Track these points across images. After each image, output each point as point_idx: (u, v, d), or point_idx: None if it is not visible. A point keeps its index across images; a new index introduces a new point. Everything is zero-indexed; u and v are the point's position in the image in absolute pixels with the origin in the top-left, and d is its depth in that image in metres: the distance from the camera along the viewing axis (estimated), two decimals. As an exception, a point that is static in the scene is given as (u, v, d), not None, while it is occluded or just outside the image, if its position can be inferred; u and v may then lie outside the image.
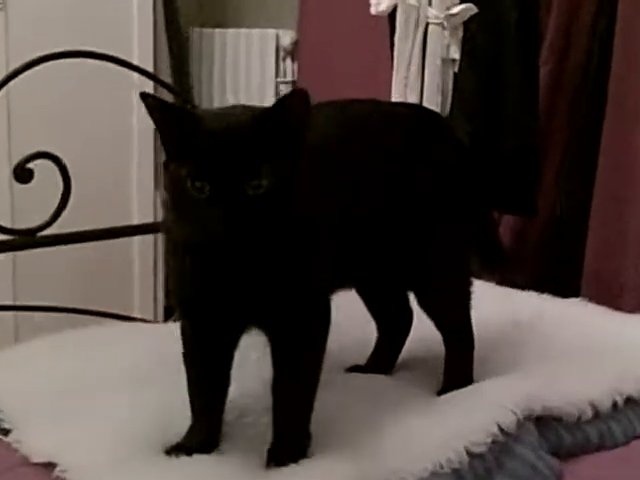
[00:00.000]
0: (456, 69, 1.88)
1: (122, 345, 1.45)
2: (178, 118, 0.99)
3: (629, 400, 1.26)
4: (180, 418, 1.16)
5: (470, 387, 1.26)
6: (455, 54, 1.87)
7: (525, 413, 1.15)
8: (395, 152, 1.22)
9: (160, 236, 2.70)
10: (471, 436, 1.08)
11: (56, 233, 1.69)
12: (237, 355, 1.14)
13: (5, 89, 1.67)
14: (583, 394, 1.22)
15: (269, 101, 2.87)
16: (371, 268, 1.23)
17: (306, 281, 1.06)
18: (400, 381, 1.33)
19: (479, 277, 1.40)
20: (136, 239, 2.49)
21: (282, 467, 1.04)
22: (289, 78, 2.87)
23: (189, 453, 1.09)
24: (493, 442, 1.09)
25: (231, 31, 2.95)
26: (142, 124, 2.59)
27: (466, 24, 1.86)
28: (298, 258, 1.04)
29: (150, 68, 2.56)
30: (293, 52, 2.86)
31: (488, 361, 1.35)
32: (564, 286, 1.81)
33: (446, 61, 1.88)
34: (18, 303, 2.01)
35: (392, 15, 1.93)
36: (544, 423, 1.18)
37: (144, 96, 0.99)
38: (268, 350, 1.10)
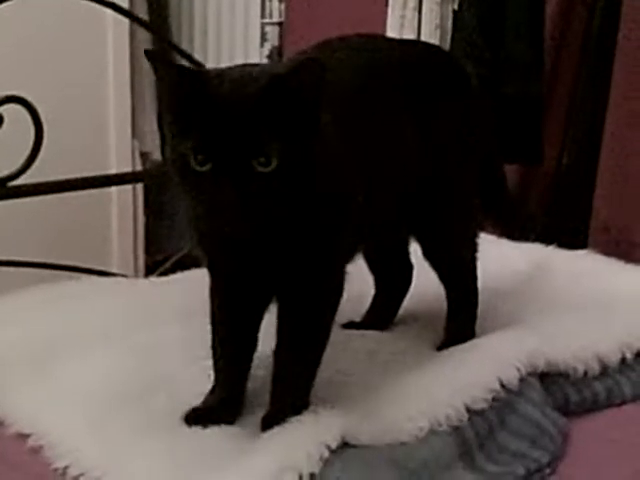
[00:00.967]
0: (455, 6, 1.86)
1: (101, 301, 1.45)
2: (186, 82, 0.94)
3: (639, 355, 1.27)
4: (161, 377, 1.17)
5: (472, 342, 1.27)
6: (455, -10, 1.85)
7: (528, 368, 1.16)
8: (408, 96, 1.20)
9: (140, 186, 2.71)
10: (471, 392, 1.09)
11: (28, 183, 1.67)
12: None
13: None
14: (590, 349, 1.23)
15: (253, 44, 2.85)
16: (379, 219, 1.22)
17: (325, 249, 1.05)
18: (398, 337, 1.33)
19: (483, 229, 1.40)
20: (114, 190, 2.47)
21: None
22: (275, 19, 2.84)
23: (208, 419, 1.08)
24: (494, 399, 1.10)
25: (213, -31, 2.91)
26: (118, 66, 2.56)
27: (466, -42, 1.84)
28: (315, 221, 1.02)
29: (125, 4, 2.52)
30: (280, -8, 2.82)
31: (491, 315, 1.35)
32: (571, 238, 1.81)
33: (445, -3, 1.86)
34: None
35: (387, -52, 1.91)
36: (549, 379, 1.19)
37: (150, 54, 0.95)
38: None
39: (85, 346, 1.25)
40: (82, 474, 1.00)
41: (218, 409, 1.10)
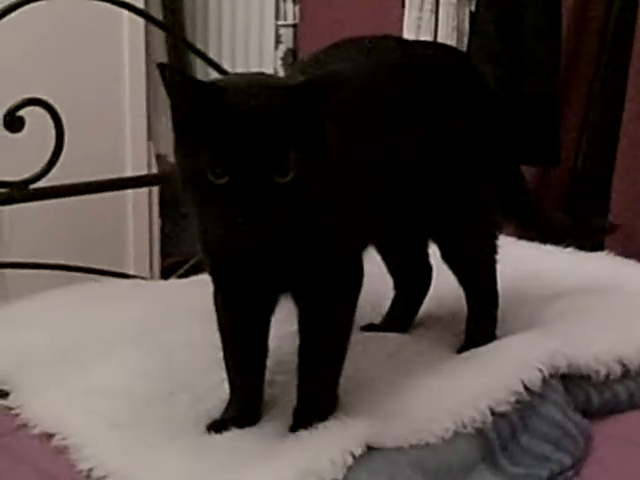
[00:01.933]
0: (472, 8, 1.85)
1: (122, 302, 1.46)
2: (201, 95, 0.93)
3: (660, 358, 1.26)
4: (184, 379, 1.18)
5: (492, 344, 1.27)
6: (472, -9, 1.85)
7: (550, 370, 1.16)
8: (425, 98, 1.20)
9: (155, 189, 2.71)
10: (494, 394, 1.09)
11: (48, 185, 1.68)
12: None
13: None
14: (611, 351, 1.23)
15: (268, 46, 2.86)
16: (397, 221, 1.22)
17: (338, 243, 1.05)
18: (418, 339, 1.33)
19: (502, 231, 1.40)
20: (130, 192, 2.48)
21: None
22: (290, 21, 2.84)
23: (229, 429, 1.08)
24: (517, 401, 1.10)
25: (228, -29, 2.92)
26: (133, 68, 2.56)
27: (484, -41, 1.83)
28: (329, 220, 1.02)
29: (141, 4, 2.52)
30: (294, -7, 2.82)
31: (511, 318, 1.35)
32: (587, 240, 1.80)
33: (462, -1, 1.86)
34: (7, 260, 2.00)
35: (404, -50, 1.91)
36: (571, 382, 1.19)
37: (162, 67, 0.94)
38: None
39: (108, 348, 1.26)
40: (106, 476, 1.01)
41: (238, 419, 1.10)
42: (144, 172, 2.53)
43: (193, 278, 1.66)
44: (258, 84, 0.96)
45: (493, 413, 1.08)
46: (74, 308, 1.43)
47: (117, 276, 1.81)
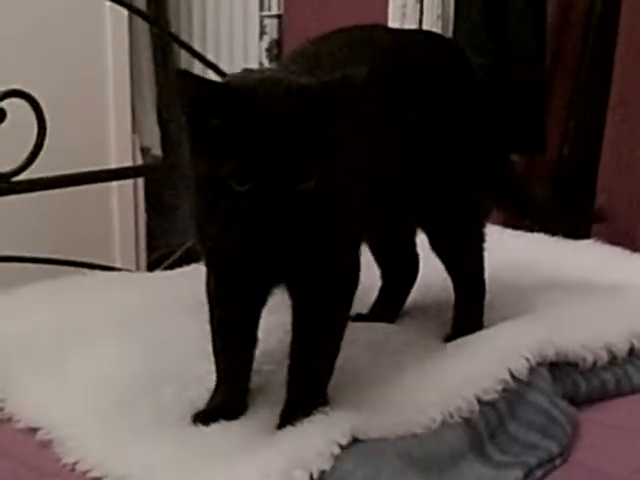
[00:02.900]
0: (458, -5, 1.85)
1: (107, 294, 1.45)
2: (221, 100, 0.91)
3: (646, 344, 1.26)
4: (169, 370, 1.17)
5: (480, 333, 1.26)
6: (457, -21, 1.84)
7: (538, 359, 1.15)
8: (416, 87, 1.20)
9: (141, 182, 2.70)
10: (481, 383, 1.09)
11: (31, 178, 1.67)
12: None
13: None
14: (598, 338, 1.22)
15: (252, 37, 2.84)
16: (388, 211, 1.21)
17: (339, 237, 1.04)
18: (406, 329, 1.33)
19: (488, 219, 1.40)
20: (115, 185, 2.46)
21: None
22: (274, 12, 2.83)
23: (214, 419, 1.07)
24: (505, 389, 1.10)
25: (211, -39, 2.90)
26: (117, 59, 2.55)
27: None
28: (332, 216, 1.01)
29: (125, 15, 2.52)
30: (279, -17, 2.81)
31: (498, 306, 1.35)
32: (574, 228, 1.81)
33: (447, -13, 1.85)
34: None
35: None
36: (559, 369, 1.18)
37: (181, 74, 0.92)
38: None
39: (93, 339, 1.25)
40: (91, 469, 1.00)
41: (223, 409, 1.10)
42: (129, 164, 2.51)
43: (179, 270, 1.65)
44: (277, 86, 0.95)
45: (480, 402, 1.07)
46: (59, 300, 1.42)
47: (103, 269, 1.80)
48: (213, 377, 1.14)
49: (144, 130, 2.80)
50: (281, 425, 1.05)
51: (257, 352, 1.14)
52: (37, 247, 1.97)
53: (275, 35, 2.82)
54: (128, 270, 2.01)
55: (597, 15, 1.92)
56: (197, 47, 2.69)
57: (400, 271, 1.40)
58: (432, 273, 1.37)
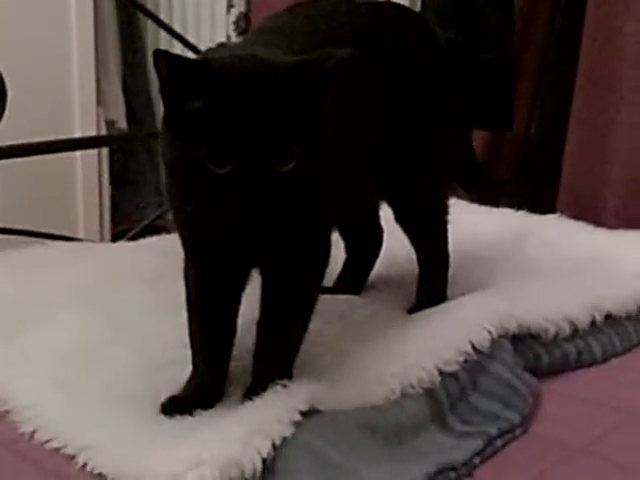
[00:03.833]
0: (427, -30, 1.83)
1: (69, 265, 1.43)
2: (200, 80, 0.90)
3: (608, 317, 1.28)
4: (129, 338, 1.16)
5: (443, 305, 1.27)
6: (426, -48, 1.82)
7: (500, 331, 1.16)
8: (382, 59, 1.19)
9: (105, 154, 2.66)
10: (443, 354, 1.09)
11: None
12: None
13: None
14: (560, 311, 1.23)
15: (220, 10, 2.81)
16: (355, 186, 1.20)
17: (315, 215, 1.03)
18: (370, 301, 1.33)
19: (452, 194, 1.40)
20: (78, 156, 2.43)
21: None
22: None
23: (188, 408, 1.03)
24: (466, 361, 1.10)
25: None
26: (82, 30, 2.52)
27: None
28: (309, 195, 0.99)
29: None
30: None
31: (462, 280, 1.36)
32: (539, 204, 1.82)
33: (416, -41, 1.83)
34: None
35: None
36: (521, 341, 1.19)
37: (160, 54, 0.90)
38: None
39: (52, 309, 1.24)
40: (51, 439, 0.99)
41: (198, 397, 1.06)
42: (93, 133, 2.48)
43: (141, 241, 1.64)
44: (258, 66, 0.93)
45: (442, 373, 1.07)
46: (20, 270, 1.41)
47: (66, 240, 1.78)
48: (173, 341, 1.12)
49: (109, 102, 2.77)
50: (245, 396, 1.04)
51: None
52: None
53: (243, 8, 2.80)
54: (91, 242, 1.98)
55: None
56: (163, 20, 2.66)
57: (364, 244, 1.40)
58: (396, 246, 1.38)
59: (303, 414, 0.96)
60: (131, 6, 2.44)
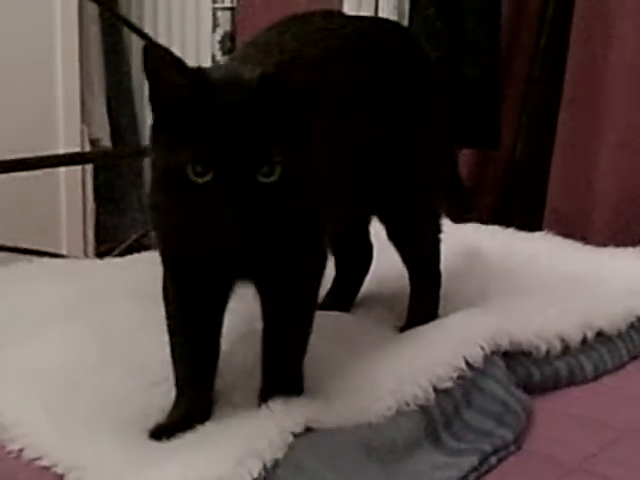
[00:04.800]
0: (413, -11, 1.84)
1: (53, 281, 1.41)
2: (186, 81, 0.89)
3: (599, 334, 1.28)
4: (116, 356, 1.14)
5: (435, 322, 1.26)
6: (413, -28, 1.83)
7: (492, 347, 1.15)
8: (375, 75, 1.18)
9: (89, 171, 2.64)
10: (437, 371, 1.08)
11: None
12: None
13: None
14: (552, 328, 1.23)
15: (205, 29, 2.81)
16: (347, 200, 1.19)
17: (307, 228, 1.02)
18: (360, 319, 1.32)
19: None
20: (62, 171, 2.41)
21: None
22: (228, 4, 2.80)
23: (176, 433, 1.00)
24: (460, 377, 1.10)
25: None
26: (66, 47, 2.50)
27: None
28: (301, 207, 0.98)
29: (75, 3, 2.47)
30: (232, -24, 2.78)
31: (453, 296, 1.35)
32: (524, 222, 1.82)
33: (403, -20, 1.84)
34: None
35: None
36: (513, 358, 1.19)
37: (149, 48, 0.89)
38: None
39: (40, 326, 1.22)
40: (38, 458, 0.96)
41: (185, 421, 1.02)
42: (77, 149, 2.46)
43: (128, 257, 1.62)
44: (239, 75, 0.92)
45: (436, 390, 1.07)
46: (6, 287, 1.39)
47: (50, 256, 1.75)
48: (159, 359, 1.09)
49: (93, 121, 2.75)
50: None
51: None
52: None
53: (228, 27, 2.80)
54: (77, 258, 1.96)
55: (550, 14, 1.94)
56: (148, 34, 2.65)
57: (354, 260, 1.39)
58: (386, 263, 1.37)
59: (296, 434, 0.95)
60: (116, 21, 2.42)
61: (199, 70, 0.92)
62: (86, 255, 2.56)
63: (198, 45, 2.85)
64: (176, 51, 2.79)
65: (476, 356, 1.12)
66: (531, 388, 1.18)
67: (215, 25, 2.80)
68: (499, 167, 2.04)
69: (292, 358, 1.07)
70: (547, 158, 1.93)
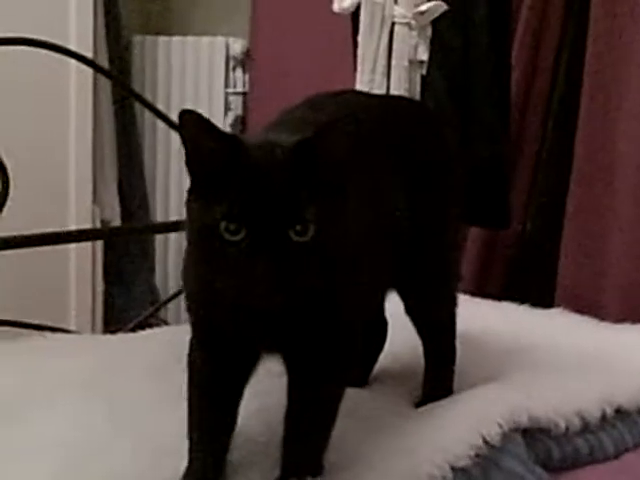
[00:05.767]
0: (424, 71, 1.87)
1: (68, 357, 1.39)
2: (221, 145, 0.90)
3: (619, 411, 1.25)
4: (127, 430, 1.12)
5: (451, 398, 1.24)
6: (423, 55, 1.86)
7: (510, 424, 1.13)
8: (401, 151, 1.18)
9: (99, 250, 2.64)
10: (454, 449, 1.06)
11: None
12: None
13: None
14: (570, 405, 1.21)
15: (217, 113, 2.85)
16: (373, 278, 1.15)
17: (345, 305, 1.00)
18: (375, 395, 1.28)
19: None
20: (73, 247, 2.41)
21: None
22: (240, 89, 2.85)
23: None
24: (478, 455, 1.07)
25: (176, 39, 2.93)
26: (80, 131, 2.54)
27: (435, 23, 1.86)
28: (340, 281, 0.96)
29: (90, 84, 2.52)
30: (244, 62, 2.84)
31: (468, 373, 1.32)
32: (535, 300, 1.80)
33: (414, 63, 1.87)
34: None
35: (355, 13, 1.92)
36: (531, 436, 1.16)
37: (185, 113, 0.89)
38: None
39: (52, 400, 1.20)
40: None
41: None
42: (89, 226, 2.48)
43: (142, 333, 1.60)
44: (275, 140, 0.93)
45: (453, 468, 1.03)
46: (20, 361, 1.37)
47: (57, 332, 1.73)
48: (172, 433, 1.07)
49: (104, 203, 2.77)
50: None
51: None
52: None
53: (240, 112, 2.85)
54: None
55: (559, 93, 1.97)
56: (161, 125, 2.70)
57: (369, 336, 1.37)
58: (400, 338, 1.35)
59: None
60: (130, 97, 2.45)
61: (235, 135, 0.93)
62: (94, 327, 2.55)
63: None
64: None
65: (494, 434, 1.09)
66: (550, 466, 1.15)
67: (227, 109, 2.85)
68: (509, 245, 2.04)
69: (316, 444, 1.03)
70: (557, 236, 1.93)
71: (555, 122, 1.99)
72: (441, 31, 1.86)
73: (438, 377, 1.29)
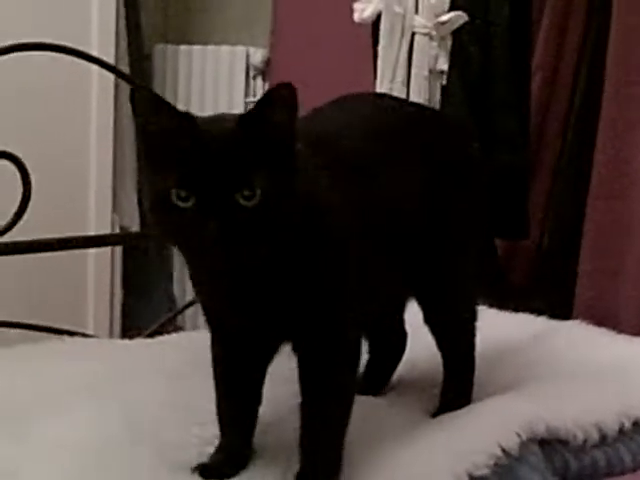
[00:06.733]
0: (444, 81, 1.87)
1: (85, 360, 1.40)
2: (171, 118, 0.94)
3: (636, 423, 1.24)
4: (145, 435, 1.12)
5: (469, 408, 1.23)
6: (444, 65, 1.86)
7: (529, 434, 1.13)
8: (417, 158, 1.19)
9: (118, 255, 2.66)
10: (472, 458, 1.06)
11: (11, 241, 1.62)
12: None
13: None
14: (589, 416, 1.20)
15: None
16: (386, 284, 1.19)
17: (330, 295, 1.02)
18: (392, 404, 1.29)
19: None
20: (92, 254, 2.42)
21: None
22: (259, 97, 2.85)
23: (217, 475, 1.06)
24: (496, 465, 1.07)
25: (197, 48, 2.94)
26: (100, 129, 2.55)
27: (455, 33, 1.86)
28: (330, 275, 1.01)
29: (111, 92, 2.54)
30: (264, 71, 2.85)
31: (487, 383, 1.32)
32: (553, 311, 1.79)
33: (434, 73, 1.87)
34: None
35: (376, 24, 1.93)
36: (549, 447, 1.15)
37: (135, 90, 0.95)
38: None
39: (69, 405, 1.20)
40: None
41: (225, 465, 1.08)
42: (107, 231, 2.49)
43: (160, 338, 1.61)
44: (225, 115, 0.99)
45: (472, 477, 1.04)
46: (36, 365, 1.37)
47: (75, 336, 1.74)
48: (188, 442, 1.11)
49: (124, 211, 2.78)
50: None
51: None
52: (8, 313, 1.90)
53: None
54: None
55: (579, 105, 1.96)
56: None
57: (388, 346, 1.38)
58: (419, 348, 1.35)
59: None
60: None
61: (186, 111, 0.97)
62: (112, 331, 2.56)
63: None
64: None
65: (512, 443, 1.09)
66: (568, 478, 1.15)
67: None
68: (526, 255, 2.03)
69: (331, 439, 1.05)
70: (575, 247, 1.92)
71: (574, 132, 1.98)
72: (461, 41, 1.86)
73: (457, 387, 1.29)
